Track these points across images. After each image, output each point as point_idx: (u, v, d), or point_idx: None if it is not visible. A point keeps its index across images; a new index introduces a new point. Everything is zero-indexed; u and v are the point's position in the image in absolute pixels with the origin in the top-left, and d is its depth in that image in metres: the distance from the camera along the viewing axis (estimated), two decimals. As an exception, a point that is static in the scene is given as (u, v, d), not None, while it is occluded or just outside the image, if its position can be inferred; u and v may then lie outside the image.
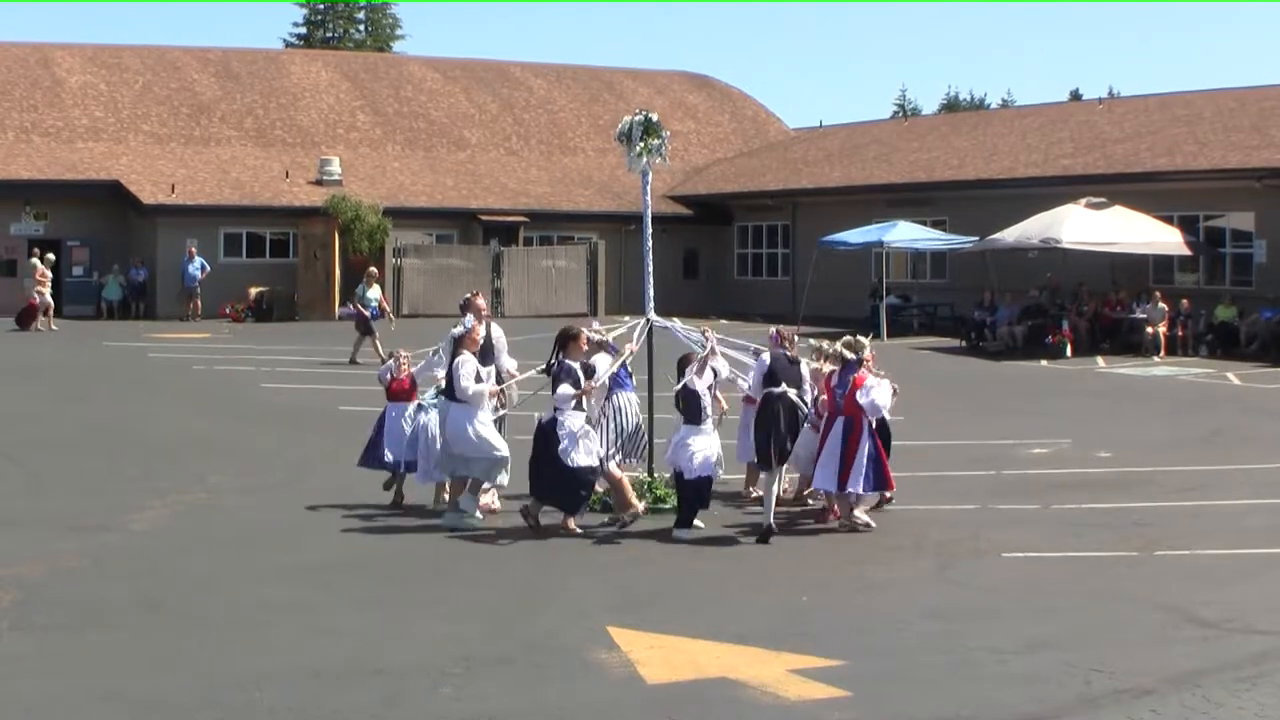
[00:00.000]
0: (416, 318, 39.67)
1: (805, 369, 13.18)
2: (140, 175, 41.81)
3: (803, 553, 12.12)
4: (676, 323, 14.16)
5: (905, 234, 37.85)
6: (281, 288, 40.98)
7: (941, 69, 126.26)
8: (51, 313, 35.97)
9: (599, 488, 13.14)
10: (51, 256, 37.98)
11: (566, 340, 12.86)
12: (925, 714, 7.84)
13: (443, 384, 13.17)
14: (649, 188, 14.62)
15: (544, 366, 13.09)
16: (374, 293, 28.64)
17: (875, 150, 47.43)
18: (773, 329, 13.52)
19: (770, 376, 12.84)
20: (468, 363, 12.80)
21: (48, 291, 36.24)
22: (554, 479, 12.47)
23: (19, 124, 43.52)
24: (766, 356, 13.08)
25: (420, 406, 13.67)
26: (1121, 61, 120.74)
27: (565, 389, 12.54)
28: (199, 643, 9.07)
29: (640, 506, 12.80)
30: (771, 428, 12.61)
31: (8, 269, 41.11)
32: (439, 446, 13.05)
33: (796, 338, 13.55)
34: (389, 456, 13.67)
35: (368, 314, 28.01)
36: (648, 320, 13.99)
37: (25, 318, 35.81)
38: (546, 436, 12.54)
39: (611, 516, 12.83)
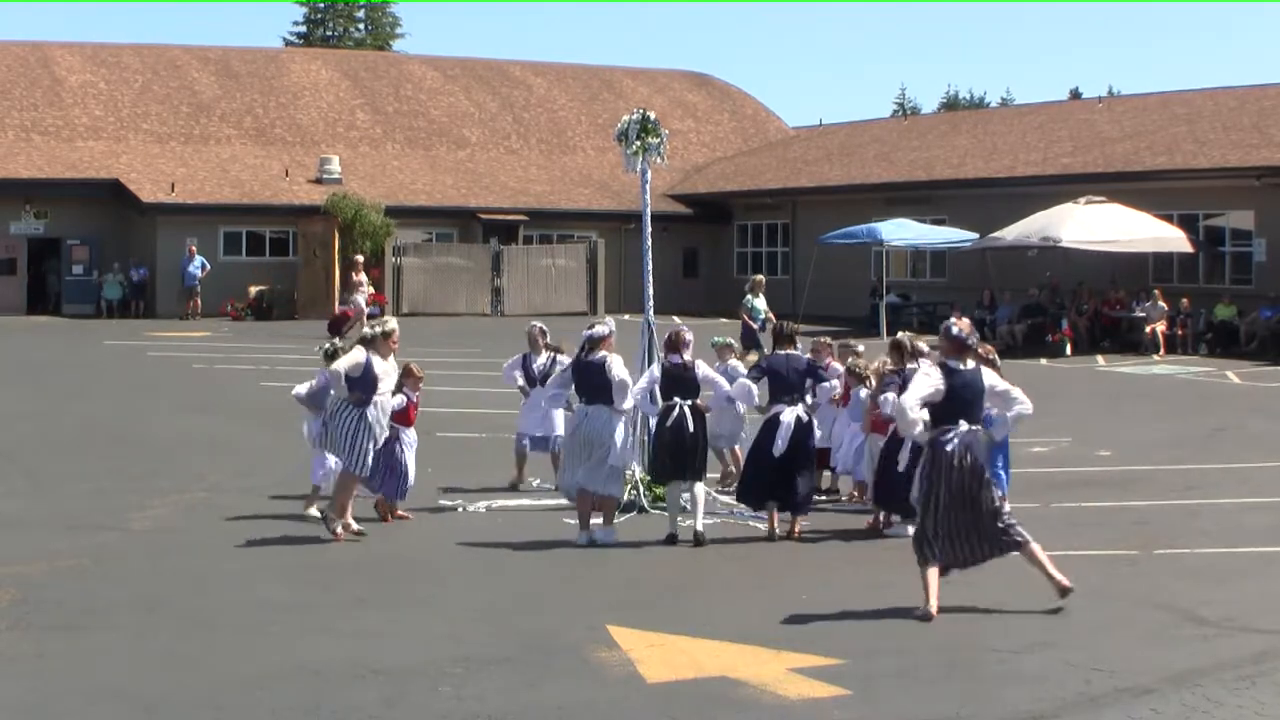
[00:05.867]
0: (416, 316, 39.69)
1: (700, 369, 12.57)
2: (140, 174, 41.80)
3: (803, 553, 12.12)
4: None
5: (901, 227, 37.86)
6: (281, 286, 40.98)
7: (941, 68, 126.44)
8: (365, 320, 35.12)
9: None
10: (360, 258, 37.18)
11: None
12: (925, 713, 7.84)
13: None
14: (648, 187, 14.61)
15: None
16: (761, 303, 26.45)
17: (875, 149, 47.43)
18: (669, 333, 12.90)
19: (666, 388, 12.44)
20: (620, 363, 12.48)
21: (362, 299, 34.95)
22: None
23: (19, 123, 43.51)
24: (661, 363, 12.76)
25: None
26: (1121, 61, 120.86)
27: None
28: (199, 643, 9.07)
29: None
30: (670, 444, 12.33)
31: (7, 268, 41.19)
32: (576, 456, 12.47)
33: (690, 338, 12.88)
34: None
35: (755, 325, 25.57)
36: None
37: (336, 324, 33.78)
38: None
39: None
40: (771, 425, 12.45)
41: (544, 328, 15.10)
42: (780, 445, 12.31)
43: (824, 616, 9.91)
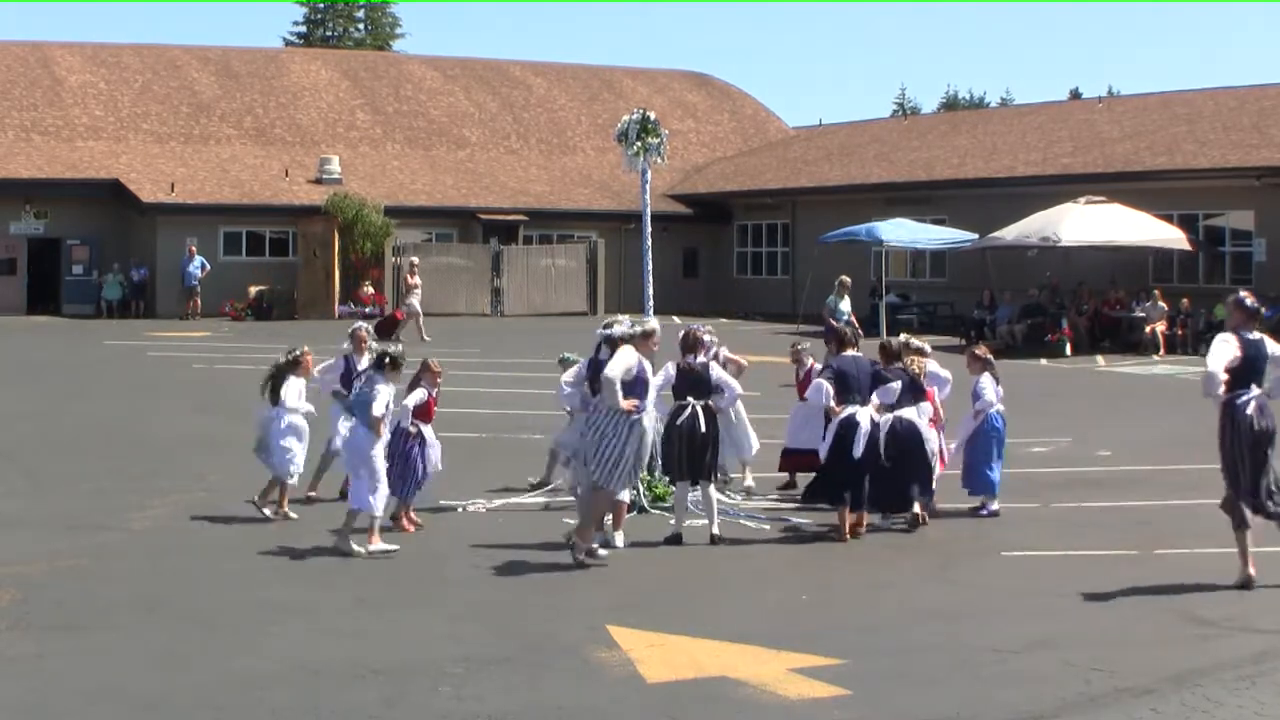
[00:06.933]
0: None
1: (714, 370, 12.63)
2: (140, 174, 41.81)
3: (803, 553, 12.13)
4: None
5: (901, 227, 37.86)
6: (281, 286, 41.00)
7: (941, 68, 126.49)
8: (421, 320, 34.04)
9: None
10: (415, 259, 36.87)
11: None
12: (925, 713, 7.84)
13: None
14: (648, 187, 14.59)
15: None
16: (846, 305, 26.01)
17: (875, 149, 47.44)
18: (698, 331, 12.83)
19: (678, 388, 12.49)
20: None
21: (416, 300, 34.78)
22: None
23: (19, 123, 43.52)
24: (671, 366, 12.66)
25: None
26: (1121, 61, 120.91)
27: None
28: (199, 643, 9.07)
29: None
30: (678, 444, 12.38)
31: (7, 268, 41.20)
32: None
33: (711, 337, 12.94)
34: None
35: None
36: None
37: (387, 326, 33.17)
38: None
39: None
40: (849, 427, 12.50)
41: (370, 329, 14.36)
42: (860, 447, 12.41)
43: (824, 616, 9.92)
